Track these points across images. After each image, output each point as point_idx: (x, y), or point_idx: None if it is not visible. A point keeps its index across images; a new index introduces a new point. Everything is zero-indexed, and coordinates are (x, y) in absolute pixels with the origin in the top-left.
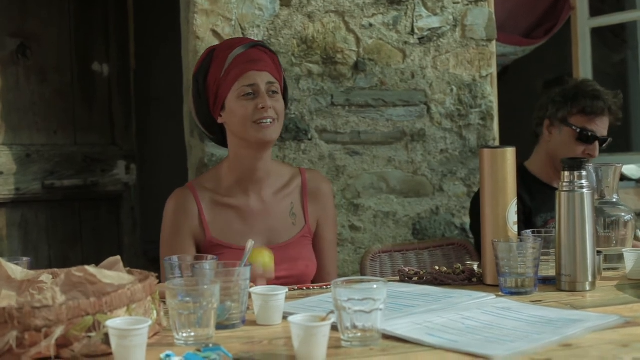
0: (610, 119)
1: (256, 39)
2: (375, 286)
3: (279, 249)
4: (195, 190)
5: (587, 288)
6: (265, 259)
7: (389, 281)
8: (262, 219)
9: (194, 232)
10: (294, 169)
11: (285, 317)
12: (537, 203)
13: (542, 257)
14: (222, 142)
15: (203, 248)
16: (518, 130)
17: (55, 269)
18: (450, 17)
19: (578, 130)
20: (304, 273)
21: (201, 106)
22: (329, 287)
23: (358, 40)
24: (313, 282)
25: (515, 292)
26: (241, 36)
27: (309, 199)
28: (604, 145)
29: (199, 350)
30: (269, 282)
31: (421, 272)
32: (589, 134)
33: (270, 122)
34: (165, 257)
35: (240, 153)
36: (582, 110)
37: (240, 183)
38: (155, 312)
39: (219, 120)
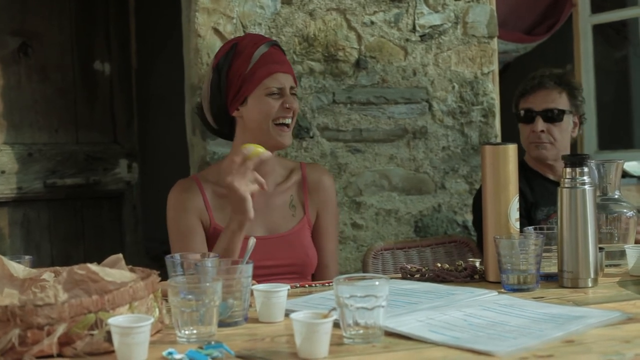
0: (560, 91)
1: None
2: (377, 283)
3: (279, 239)
4: (199, 181)
5: (589, 284)
6: (258, 147)
7: (391, 278)
8: (262, 211)
9: (200, 214)
10: (295, 164)
11: (287, 314)
12: (537, 197)
13: (544, 254)
14: (226, 135)
15: (207, 234)
16: None
17: (57, 267)
18: (452, 14)
19: (516, 113)
20: (304, 262)
21: (219, 99)
22: (331, 284)
23: (359, 38)
24: (312, 274)
25: (518, 288)
26: (242, 34)
27: (309, 192)
28: (552, 116)
29: (201, 348)
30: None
31: (423, 269)
32: (523, 112)
33: (288, 126)
34: (174, 238)
35: None
36: (519, 95)
37: None
38: (157, 309)
39: (235, 114)
